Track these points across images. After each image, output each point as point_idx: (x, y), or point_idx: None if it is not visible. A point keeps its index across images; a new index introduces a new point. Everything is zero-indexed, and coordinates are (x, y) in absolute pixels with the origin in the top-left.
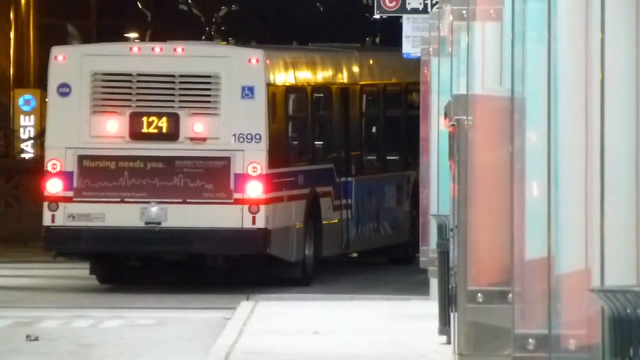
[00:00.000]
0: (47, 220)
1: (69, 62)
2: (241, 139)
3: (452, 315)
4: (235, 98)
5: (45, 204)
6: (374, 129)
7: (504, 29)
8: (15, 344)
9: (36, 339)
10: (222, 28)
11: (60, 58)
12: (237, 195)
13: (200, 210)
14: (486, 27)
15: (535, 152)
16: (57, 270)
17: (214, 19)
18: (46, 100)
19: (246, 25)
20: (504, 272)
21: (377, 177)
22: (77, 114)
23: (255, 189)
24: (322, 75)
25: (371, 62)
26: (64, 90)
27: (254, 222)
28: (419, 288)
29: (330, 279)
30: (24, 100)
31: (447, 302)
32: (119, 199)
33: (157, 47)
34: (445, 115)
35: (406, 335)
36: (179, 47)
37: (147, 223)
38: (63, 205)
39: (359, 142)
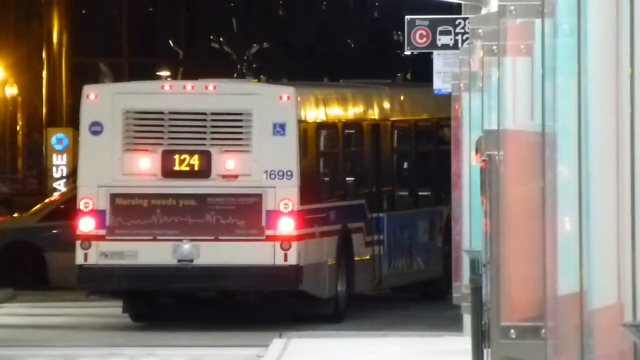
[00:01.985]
0: (79, 259)
1: (101, 100)
2: (273, 176)
3: (485, 351)
4: (267, 135)
5: (78, 242)
6: (405, 165)
7: (534, 63)
8: None
9: None
10: (254, 65)
11: (92, 96)
12: (269, 232)
13: (232, 247)
14: (517, 62)
15: (567, 187)
16: (90, 308)
17: (245, 57)
18: (78, 138)
19: (277, 62)
20: (536, 308)
21: (409, 212)
22: (109, 152)
23: (287, 226)
24: (353, 111)
25: (402, 97)
26: (96, 128)
27: (286, 259)
28: (452, 324)
29: (363, 315)
30: (57, 139)
31: (480, 338)
32: (151, 237)
33: (189, 84)
34: (477, 151)
35: None
36: (211, 85)
37: (179, 260)
38: (95, 244)
39: (390, 178)
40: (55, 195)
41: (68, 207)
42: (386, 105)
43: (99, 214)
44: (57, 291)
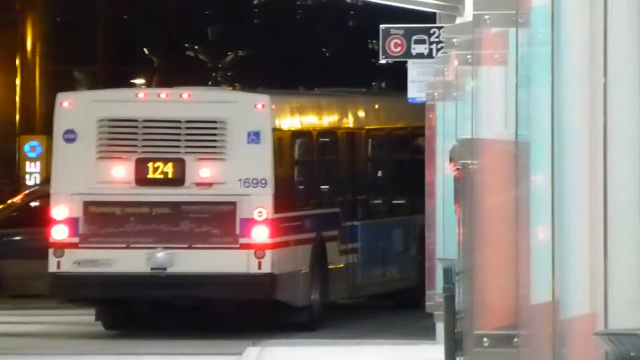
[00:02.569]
0: (52, 267)
1: (75, 108)
2: (247, 184)
3: (458, 359)
4: (242, 143)
5: (51, 250)
6: (379, 173)
7: (508, 73)
8: None
9: None
10: (229, 73)
11: (66, 104)
12: (243, 240)
13: (206, 255)
14: (491, 71)
15: (541, 196)
16: (63, 316)
17: (220, 65)
18: (52, 146)
19: (252, 70)
20: (509, 316)
21: (383, 221)
22: (83, 160)
23: (261, 234)
24: (328, 119)
25: (377, 106)
26: (70, 136)
27: (260, 267)
28: (426, 332)
29: (337, 323)
30: (30, 146)
31: (454, 347)
32: (125, 245)
33: (163, 92)
34: (451, 160)
35: None
36: (185, 93)
37: (153, 269)
38: (69, 252)
39: (365, 186)
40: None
41: (22, 215)
42: (361, 113)
43: (72, 221)
44: (30, 299)
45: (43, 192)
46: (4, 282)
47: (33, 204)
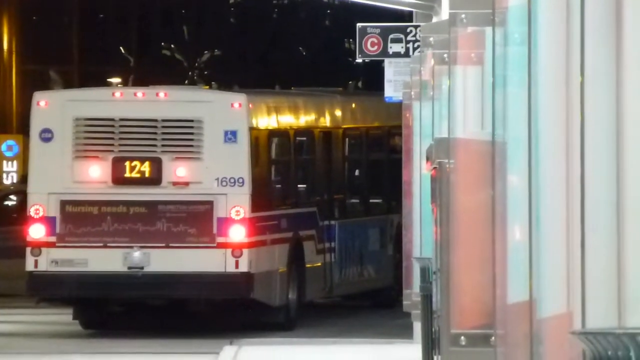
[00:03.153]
0: (30, 266)
1: (51, 107)
2: (224, 183)
3: (435, 358)
4: (218, 142)
5: (28, 249)
6: (356, 173)
7: (485, 72)
8: None
9: None
10: (205, 72)
11: (42, 103)
12: (220, 239)
13: (183, 254)
14: (467, 71)
15: (517, 195)
16: (40, 315)
17: (196, 64)
18: (29, 145)
19: (229, 69)
20: (486, 316)
21: (360, 220)
22: (59, 159)
23: (238, 233)
24: (304, 119)
25: (353, 105)
26: (47, 135)
27: (237, 266)
28: (403, 331)
29: (314, 323)
30: (7, 145)
31: (431, 346)
32: (101, 244)
33: (140, 91)
34: (427, 159)
35: None
36: (162, 92)
37: (130, 268)
38: (46, 251)
39: (342, 186)
40: None
41: None
42: (338, 113)
43: (49, 221)
44: (6, 298)
45: (17, 191)
46: None
47: (7, 202)
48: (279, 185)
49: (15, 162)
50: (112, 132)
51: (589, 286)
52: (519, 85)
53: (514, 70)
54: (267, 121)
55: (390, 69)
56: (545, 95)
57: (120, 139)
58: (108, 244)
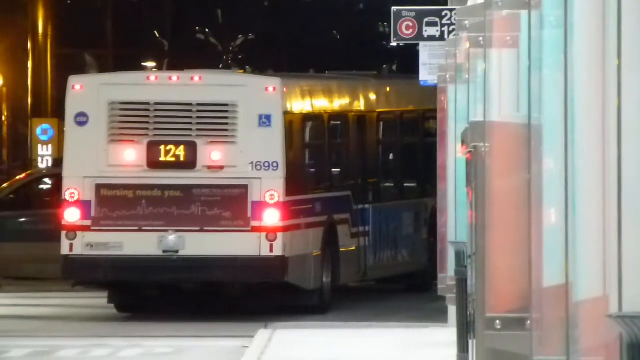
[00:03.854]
0: (65, 250)
1: (86, 91)
2: (258, 167)
3: (470, 342)
4: (253, 126)
5: (63, 233)
6: (391, 156)
7: (520, 55)
8: None
9: None
10: (239, 56)
11: (77, 87)
12: (254, 223)
13: (217, 238)
14: (503, 54)
15: (553, 179)
16: (75, 299)
17: (231, 47)
18: (64, 129)
19: (263, 53)
20: (522, 299)
21: (394, 204)
22: (94, 143)
23: (272, 217)
24: (339, 102)
25: (388, 89)
26: (82, 119)
27: (271, 250)
28: (437, 315)
29: (348, 306)
30: (42, 129)
31: (466, 330)
32: (136, 228)
33: (174, 75)
34: (463, 143)
35: None
36: (196, 76)
37: (164, 251)
38: (81, 234)
39: (376, 170)
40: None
41: (17, 197)
42: (372, 96)
43: (84, 204)
44: (42, 281)
45: (51, 174)
46: None
47: (42, 186)
48: (313, 169)
49: (50, 146)
50: (147, 116)
51: (626, 269)
52: (555, 68)
53: (550, 53)
54: (301, 105)
55: (425, 52)
56: (581, 78)
57: (155, 122)
58: (143, 228)
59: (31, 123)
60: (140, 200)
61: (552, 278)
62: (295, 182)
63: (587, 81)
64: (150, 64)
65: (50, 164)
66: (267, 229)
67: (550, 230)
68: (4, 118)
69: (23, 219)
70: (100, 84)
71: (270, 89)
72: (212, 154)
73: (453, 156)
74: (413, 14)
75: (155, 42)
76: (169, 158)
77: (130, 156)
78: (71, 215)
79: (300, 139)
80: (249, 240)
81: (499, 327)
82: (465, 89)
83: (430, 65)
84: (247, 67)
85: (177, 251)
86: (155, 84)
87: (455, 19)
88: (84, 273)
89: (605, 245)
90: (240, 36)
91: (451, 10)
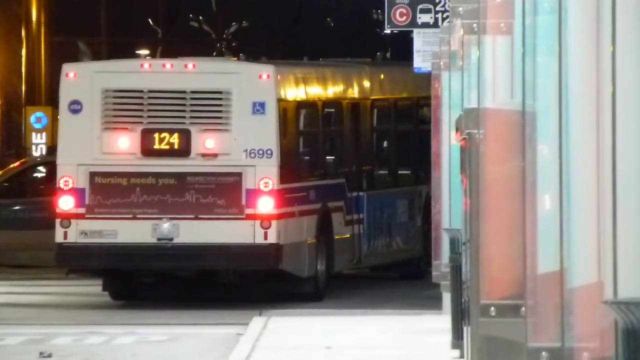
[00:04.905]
0: (59, 237)
1: (80, 79)
2: (252, 155)
3: (465, 329)
4: (246, 114)
5: (58, 220)
6: (385, 144)
7: (514, 42)
8: None
9: (49, 355)
10: (233, 44)
11: (71, 75)
12: (248, 211)
13: (212, 226)
14: (497, 40)
15: (547, 165)
16: (70, 287)
17: (224, 35)
18: (58, 117)
19: (257, 41)
20: (516, 286)
21: (388, 191)
22: (88, 131)
23: (266, 205)
24: (332, 90)
25: (382, 76)
26: (75, 107)
27: (265, 238)
28: (432, 302)
29: (343, 294)
30: (36, 117)
31: (460, 316)
32: (131, 216)
33: (168, 63)
34: (457, 129)
35: (419, 350)
36: (190, 63)
37: (159, 239)
38: (75, 222)
39: (370, 157)
40: None
41: (11, 185)
42: (366, 84)
43: (78, 192)
44: (36, 269)
45: (45, 162)
46: None
47: (35, 174)
48: (307, 157)
49: (44, 134)
50: (141, 104)
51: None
52: (549, 55)
53: (544, 39)
54: (295, 92)
55: (419, 39)
56: (576, 64)
57: (149, 110)
58: (137, 216)
59: (25, 111)
60: (135, 188)
61: (547, 264)
62: (289, 169)
63: (582, 68)
64: (144, 52)
65: (44, 152)
66: (262, 216)
67: (545, 217)
68: None
69: (17, 207)
70: (94, 71)
71: (264, 76)
72: (206, 141)
73: (447, 143)
74: (407, 1)
75: (149, 29)
76: (163, 146)
77: (124, 144)
78: (65, 203)
79: (294, 127)
80: (243, 228)
81: (493, 314)
82: (459, 76)
83: (424, 52)
84: (241, 54)
85: (171, 239)
86: (149, 71)
87: (449, 6)
88: (78, 261)
89: (599, 231)
90: (234, 24)
91: None
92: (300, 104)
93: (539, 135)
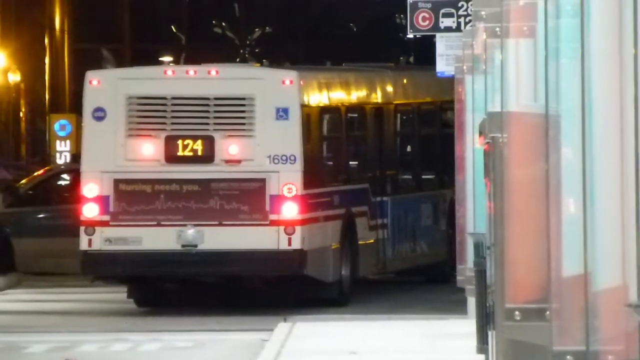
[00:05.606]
0: (84, 245)
1: (104, 86)
2: (276, 160)
3: (489, 333)
4: (270, 119)
5: (82, 228)
6: (408, 148)
7: (537, 45)
8: None
9: None
10: (256, 50)
11: (95, 82)
12: (272, 217)
13: (236, 232)
14: (520, 44)
15: (571, 169)
16: (95, 294)
17: (247, 41)
18: (82, 124)
19: (280, 46)
20: (541, 290)
21: (412, 196)
22: (112, 138)
23: (290, 210)
24: (356, 95)
25: (405, 81)
26: (99, 114)
27: (290, 243)
28: (456, 307)
29: (367, 299)
30: (60, 125)
31: (485, 321)
32: (155, 222)
33: (192, 69)
34: (480, 133)
35: (444, 354)
36: (213, 70)
37: (183, 246)
38: (100, 230)
39: (394, 162)
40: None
41: (36, 193)
42: (389, 88)
43: (102, 199)
44: (61, 277)
45: (70, 170)
46: (17, 260)
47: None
48: (331, 162)
49: (68, 142)
50: (165, 111)
51: None
52: (572, 58)
53: (567, 42)
54: (318, 98)
55: (442, 43)
56: (599, 67)
57: (173, 117)
58: (161, 222)
59: (49, 119)
60: (159, 195)
61: (571, 268)
62: (313, 175)
63: (605, 70)
64: (168, 58)
65: (68, 160)
66: (286, 222)
67: (569, 220)
68: (22, 114)
69: (42, 215)
70: (117, 78)
71: (287, 82)
72: (229, 147)
73: (471, 147)
74: (429, 5)
75: (172, 36)
76: (187, 152)
77: (148, 151)
78: (90, 211)
79: (318, 132)
80: (268, 234)
81: (518, 317)
82: (483, 80)
83: (447, 57)
84: (264, 60)
85: (195, 245)
86: (172, 78)
87: (471, 10)
88: (103, 268)
89: (623, 234)
90: (257, 29)
91: (467, 1)
92: (323, 109)
93: (562, 138)
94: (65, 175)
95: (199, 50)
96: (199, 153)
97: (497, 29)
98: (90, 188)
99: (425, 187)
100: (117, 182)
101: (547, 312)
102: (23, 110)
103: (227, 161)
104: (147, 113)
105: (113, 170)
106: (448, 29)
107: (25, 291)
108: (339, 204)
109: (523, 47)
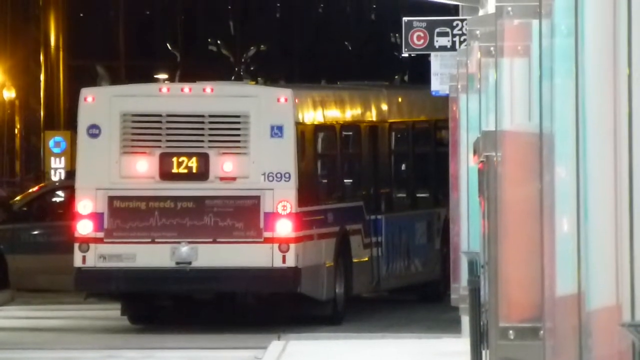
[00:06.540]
0: (78, 262)
1: (99, 103)
2: (271, 178)
3: (483, 352)
4: (265, 137)
5: (76, 245)
6: (403, 167)
7: (531, 64)
8: None
9: None
10: (251, 67)
11: (89, 99)
12: (267, 234)
13: (230, 249)
14: (514, 63)
15: (565, 188)
16: (89, 311)
17: (242, 59)
18: (76, 141)
19: (275, 64)
20: (535, 308)
21: (407, 214)
22: (107, 155)
23: (285, 228)
24: (350, 113)
25: (400, 99)
26: (94, 131)
27: (284, 261)
28: (450, 326)
29: (361, 317)
30: (55, 142)
31: (479, 340)
32: (149, 239)
33: (187, 87)
34: (475, 152)
35: None
36: (208, 87)
37: (177, 263)
38: (94, 246)
39: (388, 180)
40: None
41: (30, 210)
42: (384, 107)
43: (97, 216)
44: (55, 293)
45: (64, 186)
46: (11, 277)
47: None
48: (325, 180)
49: (62, 159)
50: (159, 128)
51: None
52: (566, 77)
53: (561, 62)
54: (313, 116)
55: (437, 62)
56: (593, 86)
57: (168, 134)
58: (156, 239)
59: (44, 135)
60: (153, 212)
61: (565, 287)
62: (307, 192)
63: (599, 90)
64: (163, 76)
65: (63, 177)
66: (280, 240)
67: (563, 239)
68: (16, 131)
69: (36, 231)
70: (112, 95)
71: (282, 99)
72: (224, 165)
73: (465, 166)
74: (424, 24)
75: (167, 53)
76: (182, 169)
77: (142, 168)
78: (84, 227)
79: (312, 150)
80: (262, 252)
81: (512, 336)
82: (477, 99)
83: (441, 75)
84: (259, 78)
85: (189, 262)
86: (167, 95)
87: (466, 29)
88: (96, 285)
89: (617, 253)
90: (252, 47)
91: (462, 20)
92: (318, 127)
93: (556, 157)
94: (59, 192)
95: (194, 67)
96: (194, 170)
97: (492, 48)
98: (84, 205)
99: (419, 205)
100: (111, 199)
101: (541, 331)
102: (18, 126)
103: (221, 178)
104: (141, 130)
105: (107, 187)
106: (443, 48)
107: (19, 308)
108: (334, 221)
109: (517, 66)
